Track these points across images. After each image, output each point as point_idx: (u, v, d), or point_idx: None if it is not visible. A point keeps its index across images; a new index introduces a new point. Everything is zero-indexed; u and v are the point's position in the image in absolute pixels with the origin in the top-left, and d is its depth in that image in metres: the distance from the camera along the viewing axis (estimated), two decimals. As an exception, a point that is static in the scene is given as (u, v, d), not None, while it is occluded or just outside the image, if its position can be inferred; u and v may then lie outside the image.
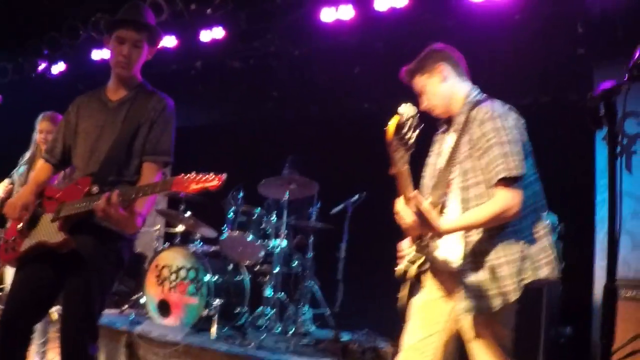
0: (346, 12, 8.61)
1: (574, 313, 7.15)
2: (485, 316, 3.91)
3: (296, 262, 8.80)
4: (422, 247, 4.13)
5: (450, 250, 4.08)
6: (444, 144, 4.38)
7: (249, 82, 10.63)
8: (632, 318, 6.60)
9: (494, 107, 4.04)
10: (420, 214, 3.79)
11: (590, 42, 8.01)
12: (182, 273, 8.17)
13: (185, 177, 3.95)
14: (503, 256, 3.88)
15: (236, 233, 8.36)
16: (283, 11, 9.23)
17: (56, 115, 6.80)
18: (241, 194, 8.57)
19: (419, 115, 3.41)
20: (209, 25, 9.66)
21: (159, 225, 9.93)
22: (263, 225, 8.56)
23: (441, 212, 4.06)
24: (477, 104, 4.15)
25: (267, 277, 8.50)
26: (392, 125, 3.35)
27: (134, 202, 4.21)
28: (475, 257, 3.95)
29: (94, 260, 4.34)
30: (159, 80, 10.09)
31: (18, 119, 7.85)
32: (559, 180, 8.16)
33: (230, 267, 8.51)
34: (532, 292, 3.94)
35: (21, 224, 4.50)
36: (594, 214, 7.71)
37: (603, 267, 6.87)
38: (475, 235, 3.97)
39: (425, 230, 3.96)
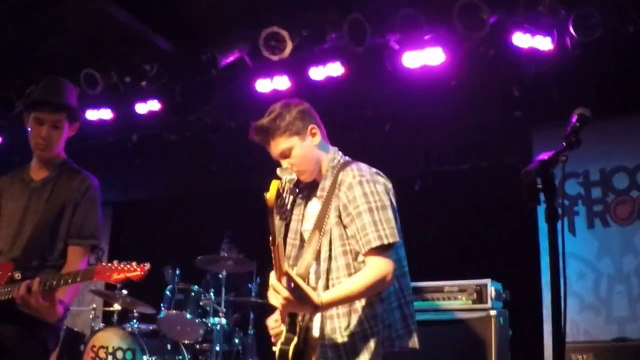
0: (282, 83, 8.54)
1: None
2: None
3: (237, 339, 8.56)
4: (293, 324, 3.82)
5: (318, 325, 3.83)
6: (307, 209, 4.10)
7: (186, 155, 10.55)
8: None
9: (362, 171, 3.84)
10: (295, 289, 3.48)
11: (527, 104, 8.07)
12: (119, 354, 7.91)
13: (107, 266, 3.91)
14: (368, 327, 3.69)
15: (174, 312, 8.16)
16: (218, 83, 9.16)
17: None
18: (177, 271, 8.39)
19: (295, 180, 3.26)
20: (144, 98, 9.53)
21: (94, 305, 9.65)
22: (201, 303, 8.34)
23: (307, 284, 3.68)
24: (343, 166, 3.94)
25: (208, 355, 8.27)
26: (272, 190, 3.13)
27: (56, 291, 4.04)
28: (338, 330, 3.72)
29: (16, 352, 4.17)
30: (95, 153, 10.07)
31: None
32: (501, 246, 8.15)
33: (169, 346, 8.27)
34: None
35: None
36: (539, 278, 7.68)
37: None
38: (338, 308, 3.73)
39: (302, 308, 3.64)
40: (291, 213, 3.55)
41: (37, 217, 4.39)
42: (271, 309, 8.42)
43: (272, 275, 3.65)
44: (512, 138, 8.25)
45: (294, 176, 3.22)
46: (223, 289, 8.26)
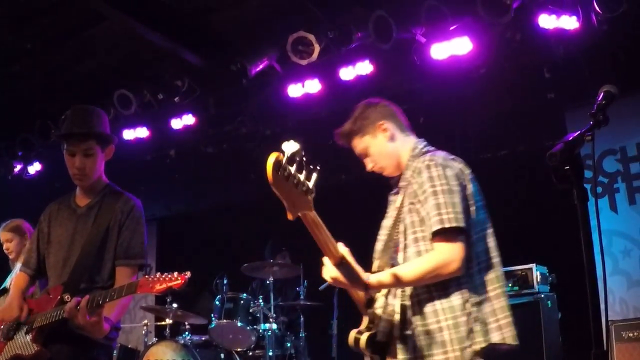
0: (313, 86, 8.60)
1: None
2: None
3: (289, 343, 8.59)
4: (374, 315, 3.74)
5: (401, 316, 3.72)
6: (394, 204, 4.06)
7: (225, 165, 10.62)
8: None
9: (434, 157, 3.80)
10: (344, 267, 3.44)
11: (559, 85, 8.02)
12: (175, 367, 7.97)
13: (150, 279, 4.01)
14: (444, 319, 3.56)
15: (224, 321, 8.22)
16: (250, 92, 9.25)
17: (19, 223, 6.75)
18: (225, 281, 8.45)
19: (303, 153, 2.98)
20: (178, 114, 9.65)
21: (146, 320, 9.75)
22: (251, 310, 8.39)
23: None
24: (419, 155, 3.91)
25: (261, 361, 8.32)
26: (269, 161, 2.91)
27: (102, 307, 4.14)
28: (413, 320, 3.62)
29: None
30: (135, 171, 10.18)
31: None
32: (545, 230, 8.11)
33: (223, 355, 8.32)
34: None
35: None
36: (592, 257, 7.64)
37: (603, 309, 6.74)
38: (413, 297, 3.65)
39: (354, 287, 3.62)
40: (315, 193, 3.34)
41: (83, 241, 4.48)
42: (320, 313, 8.47)
43: (326, 262, 3.57)
44: (546, 120, 8.21)
45: (296, 148, 2.91)
46: (271, 295, 8.34)
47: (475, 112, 8.57)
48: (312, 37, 7.99)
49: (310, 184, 3.02)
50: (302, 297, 8.67)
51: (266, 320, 8.32)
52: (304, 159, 2.98)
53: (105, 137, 4.68)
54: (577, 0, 7.17)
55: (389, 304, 3.72)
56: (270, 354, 8.13)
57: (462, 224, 3.56)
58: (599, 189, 8.07)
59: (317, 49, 8.00)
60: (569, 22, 7.18)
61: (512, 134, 8.69)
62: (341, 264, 3.43)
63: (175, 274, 4.02)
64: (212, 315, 8.39)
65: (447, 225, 3.52)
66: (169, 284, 3.98)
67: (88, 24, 8.46)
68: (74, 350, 4.29)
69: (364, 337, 3.68)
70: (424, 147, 4.00)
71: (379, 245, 4.03)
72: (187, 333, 8.50)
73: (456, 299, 3.58)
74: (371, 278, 3.54)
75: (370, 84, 8.37)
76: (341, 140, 4.13)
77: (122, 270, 4.48)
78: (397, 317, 3.67)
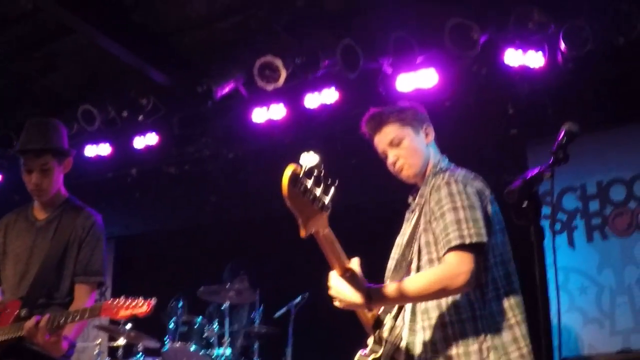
0: (277, 111, 8.56)
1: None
2: None
3: (242, 368, 8.53)
4: (380, 338, 3.55)
5: (408, 340, 3.53)
6: (409, 220, 3.85)
7: (186, 187, 10.55)
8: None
9: (455, 173, 3.66)
10: (350, 277, 3.27)
11: (522, 122, 8.08)
12: (125, 389, 7.85)
13: (115, 303, 3.97)
14: (455, 347, 3.38)
15: (178, 344, 8.14)
16: (215, 114, 9.21)
17: None
18: (181, 304, 8.37)
19: (322, 166, 2.82)
20: (142, 132, 9.56)
21: (100, 340, 9.62)
22: (205, 334, 8.32)
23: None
24: (440, 172, 3.73)
25: (214, 386, 8.24)
26: (286, 174, 2.73)
27: (63, 328, 4.09)
28: (427, 347, 3.43)
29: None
30: (94, 188, 10.08)
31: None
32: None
33: (175, 379, 8.19)
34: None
35: None
36: (546, 293, 7.67)
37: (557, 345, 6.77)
38: (425, 321, 3.47)
39: (355, 302, 3.33)
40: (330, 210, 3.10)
41: (43, 255, 4.43)
42: (275, 339, 8.43)
43: (333, 274, 3.38)
44: (508, 156, 8.26)
45: (316, 161, 2.77)
46: (227, 320, 8.29)
47: (438, 144, 8.60)
48: (279, 62, 7.97)
49: (327, 200, 2.85)
50: (257, 322, 8.61)
51: (220, 345, 8.24)
52: (322, 172, 2.83)
53: (62, 151, 4.63)
54: (543, 37, 7.22)
55: (397, 327, 3.57)
56: (223, 378, 8.04)
57: (484, 239, 3.39)
58: (558, 226, 8.13)
59: (283, 74, 7.99)
60: (535, 59, 7.23)
61: (474, 167, 8.70)
62: (347, 274, 3.28)
63: (141, 300, 3.98)
64: (166, 337, 8.31)
65: (467, 241, 3.34)
66: (134, 312, 3.96)
67: (55, 36, 8.41)
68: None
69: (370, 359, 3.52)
70: (446, 164, 3.88)
71: (391, 264, 3.84)
72: (140, 354, 8.39)
73: (469, 326, 3.41)
74: (372, 293, 3.33)
75: (335, 113, 8.36)
76: (373, 119, 3.91)
77: (81, 287, 4.44)
78: (404, 343, 3.51)
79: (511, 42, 7.24)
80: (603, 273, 7.79)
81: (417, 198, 3.80)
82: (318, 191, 2.81)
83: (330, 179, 2.86)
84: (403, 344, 3.51)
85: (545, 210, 7.79)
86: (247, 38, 8.35)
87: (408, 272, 3.59)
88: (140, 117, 9.13)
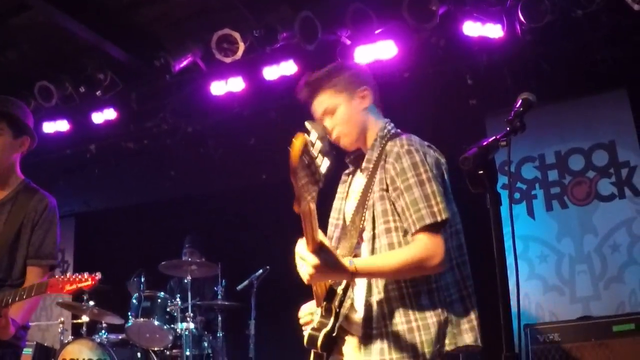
0: (236, 84, 8.54)
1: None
2: None
3: (206, 343, 8.54)
4: (329, 310, 3.40)
5: (360, 311, 3.46)
6: (352, 185, 3.78)
7: (145, 162, 10.52)
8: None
9: (411, 140, 3.53)
10: (326, 256, 3.10)
11: (481, 92, 8.12)
12: (90, 366, 7.85)
13: (60, 279, 4.03)
14: (414, 320, 3.32)
15: (141, 319, 8.13)
16: (173, 88, 9.17)
17: None
18: (143, 279, 8.35)
19: (328, 138, 2.77)
20: (100, 108, 9.50)
21: (62, 318, 9.59)
22: (168, 309, 8.32)
23: None
24: (393, 137, 3.61)
25: (178, 361, 8.25)
26: (297, 145, 2.63)
27: (9, 308, 4.10)
28: (381, 320, 3.36)
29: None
30: (54, 165, 9.98)
31: None
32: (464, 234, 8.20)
33: (139, 354, 8.23)
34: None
35: None
36: (504, 261, 7.74)
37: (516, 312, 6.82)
38: (382, 294, 3.39)
39: (335, 276, 3.27)
40: (323, 184, 2.97)
41: (-4, 237, 4.39)
42: (238, 312, 8.44)
43: (300, 243, 3.20)
44: (467, 126, 8.30)
45: (324, 132, 2.76)
46: (189, 294, 8.28)
47: (397, 116, 8.60)
48: (237, 35, 7.94)
49: (322, 173, 2.77)
50: (220, 296, 8.63)
51: (183, 319, 8.25)
52: (327, 143, 2.77)
53: (18, 122, 4.55)
54: (502, 9, 7.27)
55: (348, 299, 3.47)
56: (188, 353, 8.06)
57: (448, 215, 3.36)
58: (517, 195, 8.21)
59: (241, 47, 7.96)
60: (494, 31, 7.27)
61: (433, 138, 8.72)
62: (320, 250, 3.09)
63: (86, 274, 4.06)
64: (129, 313, 8.29)
65: (439, 219, 3.30)
66: (79, 285, 4.03)
67: (11, 12, 8.28)
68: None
69: (322, 335, 3.34)
70: (392, 128, 3.74)
71: (333, 231, 3.77)
72: (103, 332, 8.40)
73: (426, 298, 3.37)
74: (357, 263, 3.24)
75: (293, 84, 8.32)
76: (306, 87, 3.76)
77: (33, 270, 4.40)
78: (359, 315, 3.47)
79: (470, 14, 7.27)
80: (562, 241, 7.89)
81: (363, 163, 3.66)
82: (318, 163, 2.75)
83: (329, 151, 2.81)
84: (358, 316, 3.47)
85: (504, 179, 7.87)
86: (205, 11, 8.28)
87: (361, 240, 3.52)
88: (98, 93, 9.04)
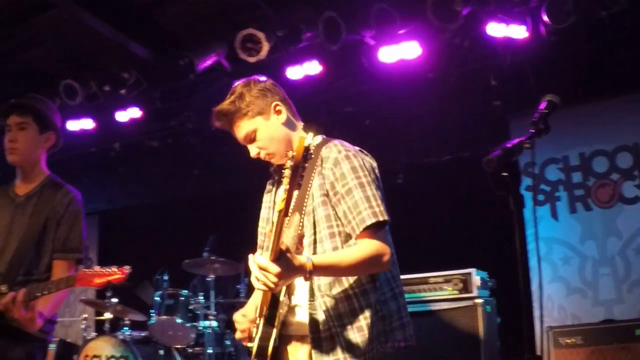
0: (262, 83, 8.52)
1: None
2: None
3: (228, 341, 8.53)
4: (272, 319, 3.35)
5: (303, 315, 3.45)
6: (277, 195, 3.69)
7: (169, 160, 10.55)
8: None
9: (346, 146, 3.55)
10: (282, 260, 3.03)
11: (505, 93, 8.09)
12: (112, 362, 7.89)
13: (89, 272, 3.99)
14: (364, 317, 3.36)
15: (164, 317, 8.17)
16: (197, 88, 9.20)
17: None
18: (166, 277, 8.41)
19: None
20: (124, 106, 9.54)
21: (86, 314, 9.64)
22: (191, 307, 8.35)
23: None
24: (323, 143, 3.61)
25: (200, 359, 8.29)
26: (300, 146, 2.79)
27: (37, 301, 4.12)
28: (332, 322, 3.35)
29: (3, 364, 4.20)
30: (78, 163, 10.03)
31: None
32: (486, 235, 8.17)
33: (162, 352, 8.27)
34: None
35: None
36: (527, 263, 7.71)
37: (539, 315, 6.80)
38: (324, 297, 3.38)
39: (295, 278, 3.25)
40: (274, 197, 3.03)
41: (22, 232, 4.41)
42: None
43: (251, 258, 3.14)
44: (491, 127, 8.28)
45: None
46: (212, 292, 8.34)
47: (421, 116, 8.61)
48: (261, 35, 7.95)
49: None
50: (242, 294, 8.64)
51: (206, 317, 8.28)
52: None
53: (44, 117, 4.60)
54: (526, 10, 7.24)
55: (286, 305, 3.42)
56: (210, 351, 8.08)
57: (388, 217, 3.38)
58: (541, 197, 8.18)
59: (266, 46, 7.96)
60: (518, 32, 7.24)
61: (457, 139, 8.74)
62: (282, 255, 3.06)
63: (115, 267, 4.01)
64: (152, 311, 8.33)
65: (381, 219, 3.33)
66: (109, 278, 3.99)
67: (35, 11, 8.33)
68: (8, 344, 4.23)
69: (271, 345, 3.33)
70: (315, 133, 3.67)
71: (263, 241, 3.85)
72: (126, 328, 8.42)
73: (372, 296, 3.41)
74: (314, 259, 3.20)
75: (317, 85, 8.38)
76: (218, 120, 3.76)
77: (59, 263, 4.43)
78: (304, 320, 3.44)
79: (494, 15, 7.25)
80: (586, 244, 7.86)
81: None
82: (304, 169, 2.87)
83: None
84: (303, 322, 3.44)
85: (528, 181, 7.85)
86: (229, 11, 8.30)
87: (300, 246, 3.48)
88: (123, 91, 9.07)
